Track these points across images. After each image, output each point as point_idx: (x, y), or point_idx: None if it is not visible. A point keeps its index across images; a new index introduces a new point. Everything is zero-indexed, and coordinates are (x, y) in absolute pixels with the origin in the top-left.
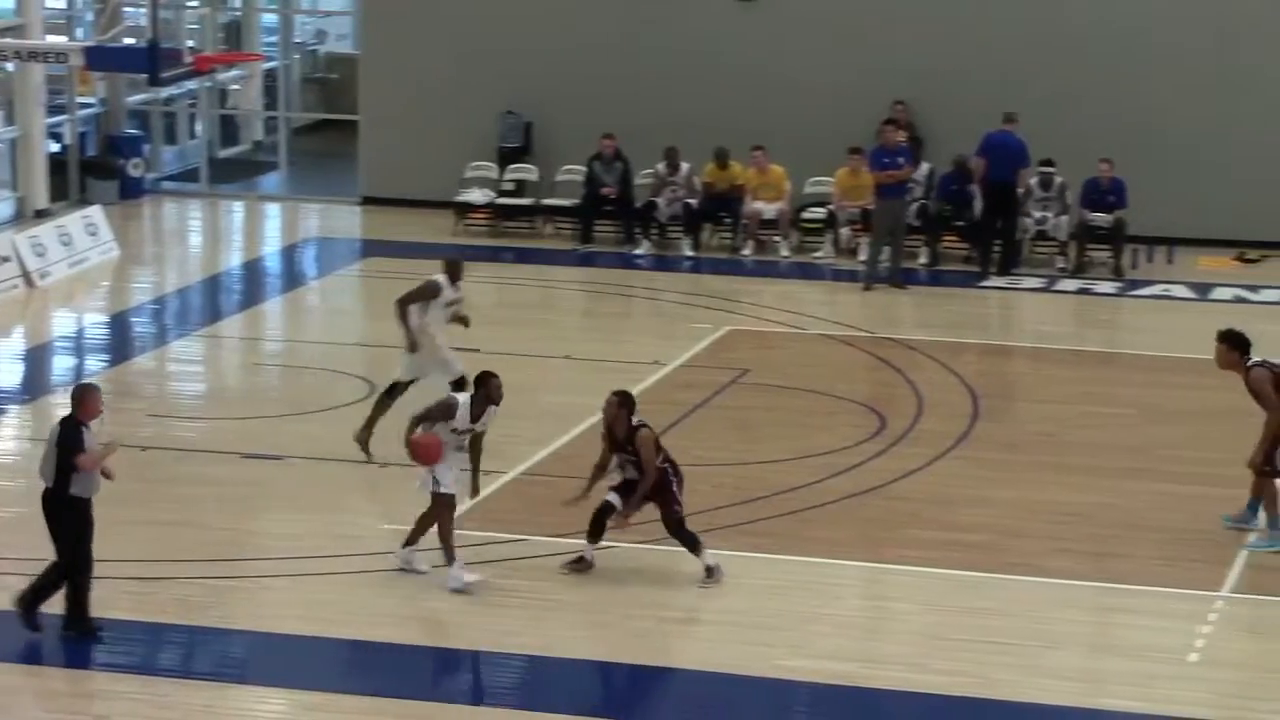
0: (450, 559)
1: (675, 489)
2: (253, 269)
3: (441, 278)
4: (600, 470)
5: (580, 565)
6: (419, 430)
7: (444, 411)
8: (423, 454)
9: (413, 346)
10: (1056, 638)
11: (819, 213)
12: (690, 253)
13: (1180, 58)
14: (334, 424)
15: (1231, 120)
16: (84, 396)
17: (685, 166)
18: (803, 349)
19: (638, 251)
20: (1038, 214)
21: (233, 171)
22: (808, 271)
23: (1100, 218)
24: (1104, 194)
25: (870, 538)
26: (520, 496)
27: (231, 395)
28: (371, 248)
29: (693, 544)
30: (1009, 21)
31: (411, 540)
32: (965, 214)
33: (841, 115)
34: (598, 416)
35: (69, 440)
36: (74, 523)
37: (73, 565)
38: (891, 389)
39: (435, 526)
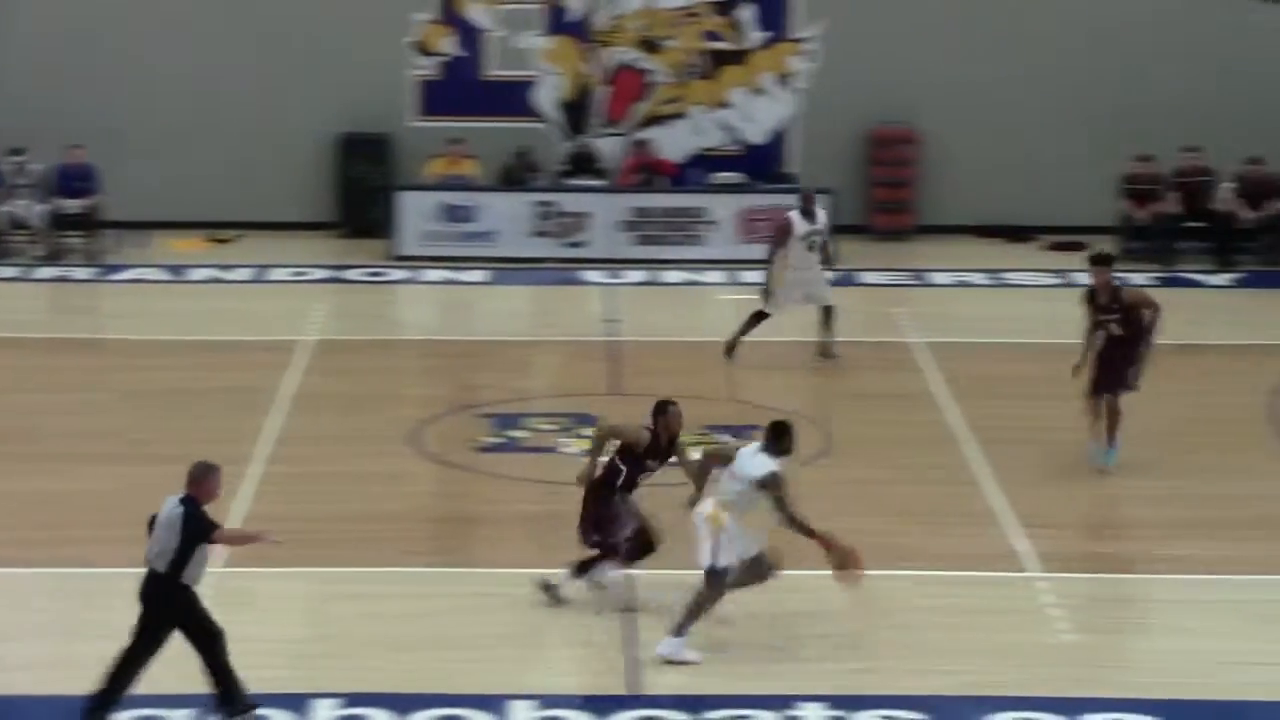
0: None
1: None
2: None
3: (794, 214)
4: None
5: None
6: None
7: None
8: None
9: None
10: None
11: None
12: None
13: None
14: None
15: (201, 108)
16: (206, 477)
17: None
18: None
19: None
20: (21, 202)
21: None
22: None
23: (73, 204)
24: (75, 180)
25: None
26: None
27: None
28: None
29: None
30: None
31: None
32: None
33: None
34: None
35: (197, 528)
36: (188, 604)
37: (205, 641)
38: None
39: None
